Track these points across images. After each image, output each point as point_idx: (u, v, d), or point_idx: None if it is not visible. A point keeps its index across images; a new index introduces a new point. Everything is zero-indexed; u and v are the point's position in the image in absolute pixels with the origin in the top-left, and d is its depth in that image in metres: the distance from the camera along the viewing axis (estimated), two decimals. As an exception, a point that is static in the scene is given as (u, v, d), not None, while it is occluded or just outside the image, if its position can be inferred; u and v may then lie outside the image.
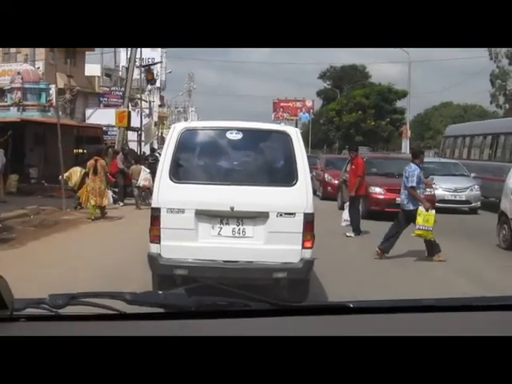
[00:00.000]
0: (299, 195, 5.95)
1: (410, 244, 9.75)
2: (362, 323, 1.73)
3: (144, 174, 16.93)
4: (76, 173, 15.94)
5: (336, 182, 18.78)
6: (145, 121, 29.81)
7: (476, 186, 17.49)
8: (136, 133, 27.32)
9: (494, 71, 45.13)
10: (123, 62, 39.32)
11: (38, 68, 27.91)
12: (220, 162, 6.42)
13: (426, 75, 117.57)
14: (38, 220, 13.06)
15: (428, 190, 12.90)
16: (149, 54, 39.11)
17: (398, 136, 49.50)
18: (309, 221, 5.89)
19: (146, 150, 26.53)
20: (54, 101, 24.25)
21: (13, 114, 22.17)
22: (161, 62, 47.64)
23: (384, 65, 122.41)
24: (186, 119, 70.20)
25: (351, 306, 1.81)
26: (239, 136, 6.17)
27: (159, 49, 48.02)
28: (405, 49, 37.15)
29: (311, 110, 69.39)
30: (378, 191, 15.11)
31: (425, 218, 9.22)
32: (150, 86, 37.25)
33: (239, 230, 5.96)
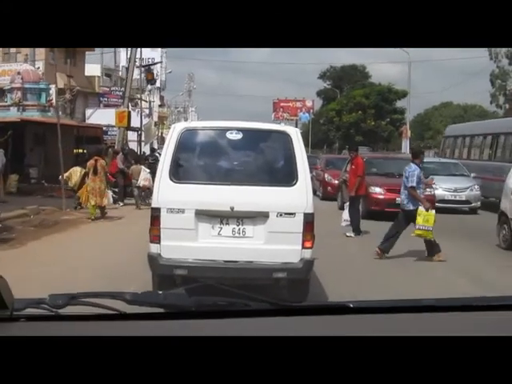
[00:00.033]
0: (299, 195, 5.95)
1: (409, 244, 9.74)
2: (362, 323, 1.73)
3: (144, 173, 16.91)
4: (76, 173, 15.94)
5: (336, 182, 18.78)
6: (145, 121, 29.80)
7: (476, 186, 17.47)
8: (136, 133, 27.32)
9: (494, 71, 45.15)
10: (123, 62, 39.31)
11: (38, 68, 27.91)
12: (220, 162, 6.42)
13: (425, 75, 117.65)
14: (38, 220, 13.05)
15: (428, 190, 12.90)
16: (149, 54, 39.11)
17: (398, 136, 49.51)
18: (309, 221, 5.89)
19: (146, 150, 26.52)
20: (53, 101, 24.25)
21: (13, 114, 22.17)
22: (161, 62, 47.64)
23: (384, 65, 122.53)
24: (186, 119, 70.18)
25: (351, 305, 1.81)
26: (239, 136, 6.16)
27: (159, 49, 48.03)
28: (405, 49, 37.20)
29: (311, 110, 69.41)
30: (378, 191, 15.11)
31: (425, 218, 9.22)
32: (150, 86, 37.22)
33: (239, 229, 5.95)
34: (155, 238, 5.91)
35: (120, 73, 44.79)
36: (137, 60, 26.38)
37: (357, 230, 12.13)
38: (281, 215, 5.88)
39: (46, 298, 1.64)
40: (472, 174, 18.19)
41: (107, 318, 1.66)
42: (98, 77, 38.59)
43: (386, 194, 14.85)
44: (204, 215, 5.93)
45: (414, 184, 9.39)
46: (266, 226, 5.91)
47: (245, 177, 6.20)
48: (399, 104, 54.31)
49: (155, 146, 31.39)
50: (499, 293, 4.10)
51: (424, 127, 67.51)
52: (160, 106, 56.16)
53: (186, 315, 1.72)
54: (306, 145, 20.05)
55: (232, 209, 5.85)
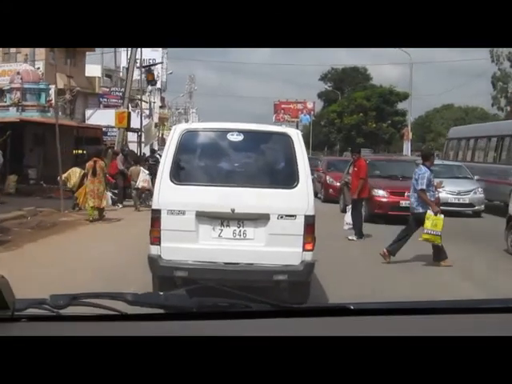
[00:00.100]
0: (300, 197, 5.94)
1: (414, 248, 9.55)
2: (363, 325, 1.72)
3: (143, 175, 16.80)
4: (75, 174, 15.87)
5: (338, 184, 18.68)
6: (145, 122, 29.78)
7: (480, 189, 17.16)
8: (136, 134, 27.30)
9: (496, 73, 45.18)
10: (123, 62, 39.33)
11: (38, 68, 27.97)
12: (221, 164, 6.41)
13: (427, 77, 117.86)
14: (36, 221, 12.98)
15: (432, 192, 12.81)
16: (149, 54, 39.14)
17: (400, 138, 49.50)
18: (310, 223, 5.88)
19: (146, 151, 26.52)
20: (53, 101, 24.26)
21: (12, 115, 22.19)
22: (162, 63, 47.62)
23: (385, 67, 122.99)
24: (186, 120, 70.13)
25: (352, 307, 1.80)
26: (240, 138, 6.16)
27: (160, 49, 48.08)
28: (406, 50, 37.19)
29: (312, 112, 69.45)
30: (381, 194, 14.87)
31: (433, 222, 9.00)
32: (150, 87, 37.19)
33: (240, 231, 5.94)
34: (155, 240, 5.90)
35: (120, 73, 44.78)
36: (137, 61, 26.36)
37: (359, 234, 11.99)
38: (282, 217, 5.86)
39: (47, 299, 1.64)
40: (475, 177, 17.97)
41: (108, 319, 1.66)
42: (99, 77, 38.63)
43: (390, 197, 14.71)
44: (205, 217, 5.92)
45: (424, 186, 9.13)
46: (267, 228, 5.90)
47: (246, 178, 6.19)
48: (400, 106, 54.45)
49: (155, 148, 31.38)
50: (504, 297, 4.06)
51: (425, 129, 67.48)
52: (161, 107, 56.15)
53: (187, 316, 1.71)
54: (307, 147, 20.00)
55: (233, 211, 5.84)
